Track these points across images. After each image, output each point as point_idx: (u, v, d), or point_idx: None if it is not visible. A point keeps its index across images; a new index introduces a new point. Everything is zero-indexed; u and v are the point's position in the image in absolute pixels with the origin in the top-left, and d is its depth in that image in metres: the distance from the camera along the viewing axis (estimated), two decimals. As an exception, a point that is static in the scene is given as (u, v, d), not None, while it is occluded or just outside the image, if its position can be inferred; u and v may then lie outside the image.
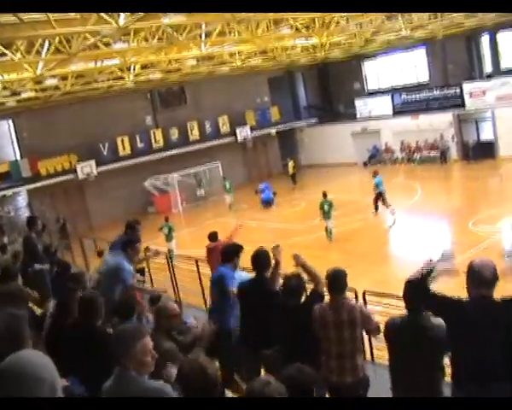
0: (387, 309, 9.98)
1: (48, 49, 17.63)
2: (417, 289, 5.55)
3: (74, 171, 34.06)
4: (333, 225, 24.58)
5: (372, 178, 27.11)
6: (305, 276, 7.29)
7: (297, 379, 3.69)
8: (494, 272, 5.26)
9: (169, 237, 24.71)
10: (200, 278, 15.51)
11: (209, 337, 7.06)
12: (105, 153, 35.85)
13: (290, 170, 38.98)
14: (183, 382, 3.86)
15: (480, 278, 5.19)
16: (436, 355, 5.67)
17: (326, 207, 24.43)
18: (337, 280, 6.60)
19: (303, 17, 20.53)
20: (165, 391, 4.06)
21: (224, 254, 8.71)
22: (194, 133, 39.94)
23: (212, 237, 15.24)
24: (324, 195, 24.91)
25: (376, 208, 26.66)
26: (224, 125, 41.42)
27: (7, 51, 17.27)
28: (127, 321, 6.23)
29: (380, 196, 26.32)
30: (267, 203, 33.44)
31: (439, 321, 5.60)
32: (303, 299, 7.02)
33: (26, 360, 2.58)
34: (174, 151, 38.17)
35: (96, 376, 4.51)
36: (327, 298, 6.95)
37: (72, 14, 14.17)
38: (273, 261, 7.63)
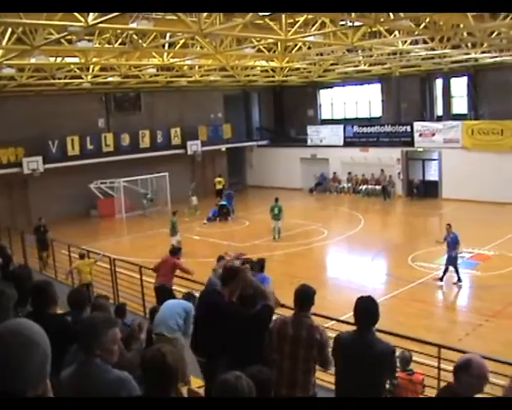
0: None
1: (9, 38, 17.41)
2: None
3: (20, 165, 33.39)
4: (281, 225, 27.25)
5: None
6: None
7: (257, 378, 3.84)
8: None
9: (172, 232, 25.32)
10: (142, 285, 15.59)
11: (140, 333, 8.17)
12: (53, 150, 35.21)
13: (217, 186, 39.55)
14: (144, 367, 3.98)
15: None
16: (379, 373, 5.86)
17: (276, 210, 27.24)
18: (304, 297, 6.65)
19: (266, 38, 20.74)
20: (128, 380, 4.13)
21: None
22: (145, 141, 39.67)
23: (172, 251, 15.60)
24: (276, 199, 28.04)
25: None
26: (175, 136, 41.32)
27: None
28: (81, 312, 6.26)
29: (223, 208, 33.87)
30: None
31: (386, 343, 5.82)
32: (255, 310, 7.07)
33: (24, 325, 2.66)
34: (123, 157, 37.77)
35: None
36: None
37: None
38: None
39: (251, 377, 3.66)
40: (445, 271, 19.81)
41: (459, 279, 19.64)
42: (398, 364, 7.91)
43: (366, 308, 5.87)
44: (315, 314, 8.43)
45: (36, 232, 23.41)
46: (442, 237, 20.47)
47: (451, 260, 19.65)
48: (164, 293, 14.48)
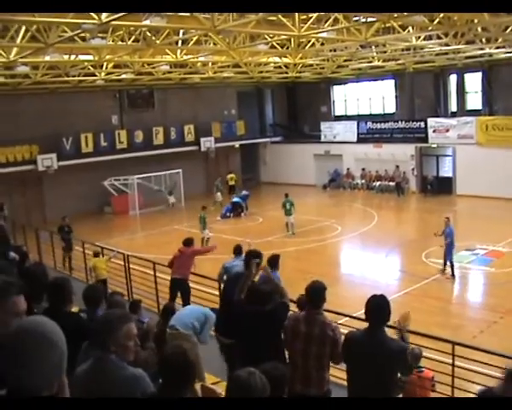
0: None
1: (23, 36, 17.50)
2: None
3: (34, 162, 33.55)
4: (294, 220, 27.54)
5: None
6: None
7: (271, 374, 3.85)
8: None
9: (203, 226, 26.10)
10: (155, 281, 15.62)
11: (153, 331, 8.43)
12: (67, 147, 35.38)
13: (229, 182, 39.86)
14: (165, 364, 4.01)
15: None
16: (390, 371, 5.85)
17: (288, 206, 27.63)
18: (315, 294, 6.64)
19: (279, 35, 20.74)
20: (143, 378, 4.14)
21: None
22: (159, 138, 39.72)
23: (187, 242, 15.60)
24: (286, 195, 28.69)
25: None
26: (189, 133, 41.34)
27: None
28: (96, 309, 6.29)
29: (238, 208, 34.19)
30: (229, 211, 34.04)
31: (398, 341, 5.81)
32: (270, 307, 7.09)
33: (39, 323, 2.65)
34: (137, 154, 37.89)
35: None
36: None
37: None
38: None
39: (264, 373, 3.66)
40: (452, 266, 20.04)
41: (443, 270, 20.23)
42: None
43: (378, 306, 5.86)
44: (328, 311, 8.51)
45: (60, 232, 22.87)
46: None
47: (448, 253, 20.05)
48: (180, 285, 14.53)
